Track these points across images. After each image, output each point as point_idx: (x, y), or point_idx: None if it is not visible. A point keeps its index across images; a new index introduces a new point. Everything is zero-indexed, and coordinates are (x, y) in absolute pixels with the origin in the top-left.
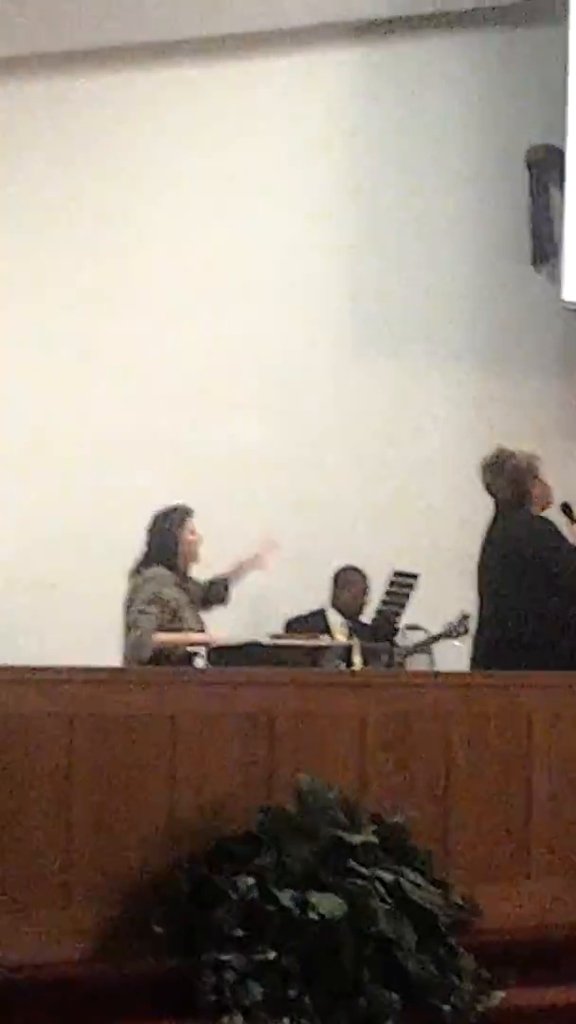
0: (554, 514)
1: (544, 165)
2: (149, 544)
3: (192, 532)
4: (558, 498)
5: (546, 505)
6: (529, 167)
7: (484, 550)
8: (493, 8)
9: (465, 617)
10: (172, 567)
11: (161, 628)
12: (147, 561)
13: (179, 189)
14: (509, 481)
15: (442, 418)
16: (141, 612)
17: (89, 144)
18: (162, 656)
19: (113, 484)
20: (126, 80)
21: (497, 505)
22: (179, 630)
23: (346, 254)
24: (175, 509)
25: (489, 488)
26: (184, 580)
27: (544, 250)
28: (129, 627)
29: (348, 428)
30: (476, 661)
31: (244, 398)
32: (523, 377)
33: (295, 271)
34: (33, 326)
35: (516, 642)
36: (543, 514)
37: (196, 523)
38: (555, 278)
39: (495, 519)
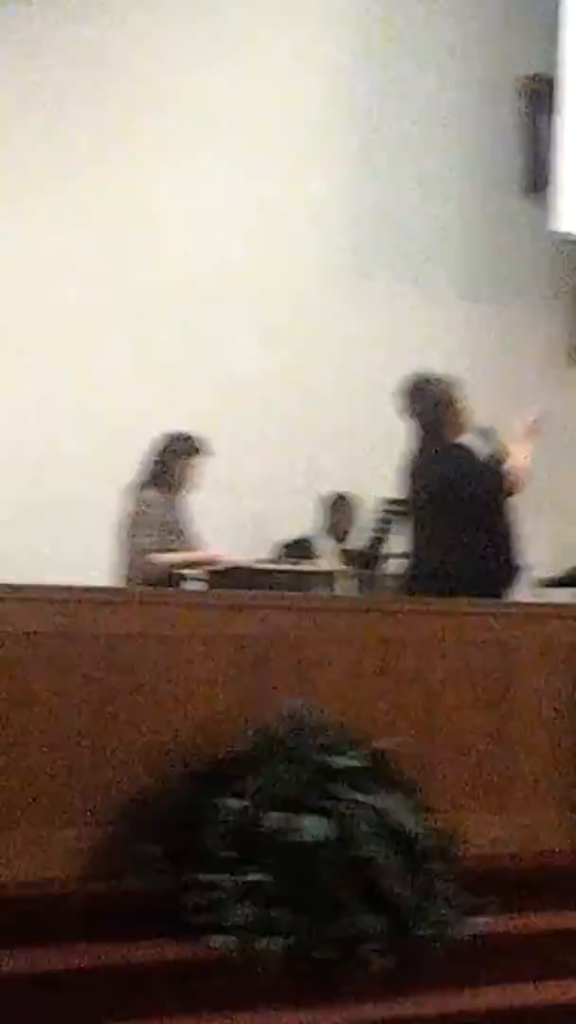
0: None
1: (536, 95)
2: (154, 464)
3: (191, 465)
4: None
5: (465, 430)
6: (522, 97)
7: (410, 481)
8: None
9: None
10: (171, 491)
11: (161, 550)
12: (147, 483)
13: (179, 108)
14: (430, 406)
15: (434, 344)
16: (147, 536)
17: (88, 57)
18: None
19: (110, 407)
20: None
21: (418, 431)
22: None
23: (343, 181)
24: (186, 439)
25: (410, 411)
26: (180, 504)
27: (535, 180)
28: (132, 549)
29: (342, 353)
30: (405, 591)
31: (240, 323)
32: (512, 304)
33: (292, 198)
34: (31, 244)
35: (440, 571)
36: (461, 440)
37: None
38: (546, 207)
39: (419, 448)
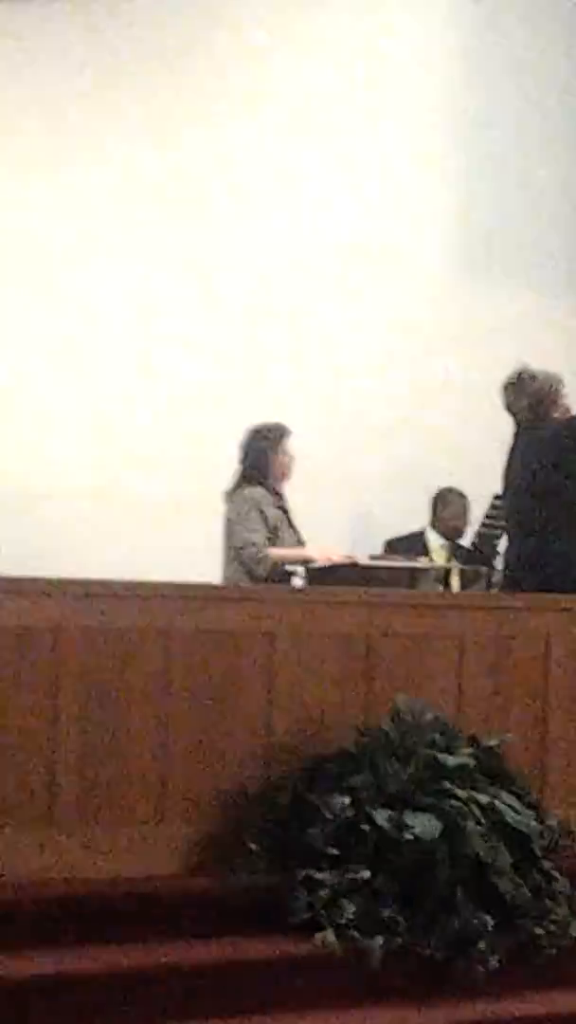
0: None
1: None
2: (244, 462)
3: (286, 452)
4: None
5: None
6: None
7: (506, 470)
8: None
9: None
10: (267, 486)
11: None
12: (244, 480)
13: (288, 102)
14: (529, 402)
15: (540, 347)
16: (252, 531)
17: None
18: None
19: (213, 402)
20: None
21: (517, 426)
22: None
23: (448, 178)
24: (272, 428)
25: (509, 408)
26: (279, 498)
27: None
28: (239, 546)
29: (451, 352)
30: (507, 580)
31: (344, 317)
32: None
33: (396, 193)
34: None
35: (540, 561)
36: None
37: (293, 443)
38: None
39: (515, 439)
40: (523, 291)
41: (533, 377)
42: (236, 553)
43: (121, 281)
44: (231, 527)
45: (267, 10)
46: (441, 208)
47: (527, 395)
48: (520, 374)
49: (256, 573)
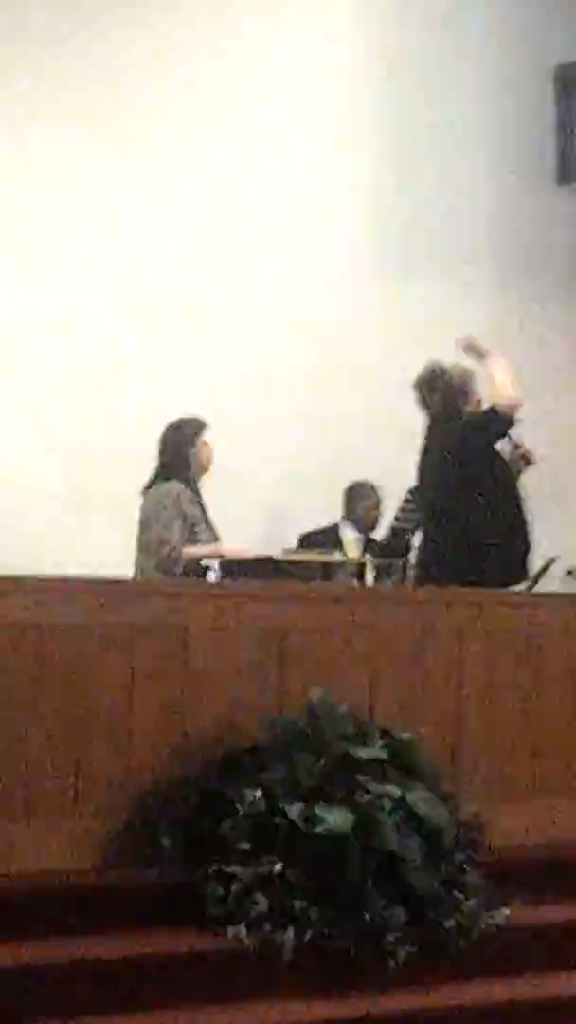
0: None
1: (573, 84)
2: (163, 457)
3: (205, 444)
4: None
5: None
6: (558, 85)
7: (420, 464)
8: None
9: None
10: (186, 480)
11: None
12: (162, 475)
13: (198, 91)
14: (442, 397)
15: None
16: (167, 528)
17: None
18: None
19: (127, 399)
20: None
21: (430, 420)
22: (195, 544)
23: (368, 167)
24: (189, 421)
25: (423, 403)
26: (197, 494)
27: (569, 169)
28: (154, 543)
29: (364, 344)
30: (421, 574)
31: (259, 312)
32: (545, 295)
33: (315, 184)
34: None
35: (454, 554)
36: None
37: (209, 437)
38: None
39: (428, 432)
40: (437, 282)
41: (445, 372)
42: (153, 550)
43: (39, 263)
44: (148, 523)
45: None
46: (359, 199)
47: (439, 390)
48: (432, 369)
49: (171, 571)
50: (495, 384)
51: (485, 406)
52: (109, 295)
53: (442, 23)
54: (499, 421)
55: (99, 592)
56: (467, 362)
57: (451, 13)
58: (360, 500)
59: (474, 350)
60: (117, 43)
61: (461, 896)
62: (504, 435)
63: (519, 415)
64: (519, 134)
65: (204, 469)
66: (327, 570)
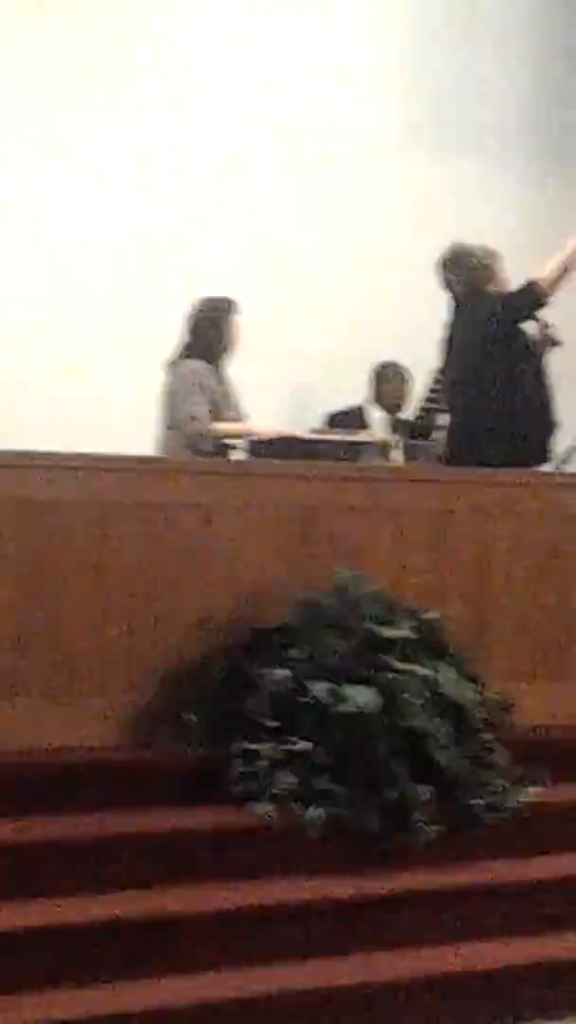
0: None
1: None
2: (193, 333)
3: (233, 326)
4: None
5: None
6: None
7: (445, 346)
8: None
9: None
10: (211, 358)
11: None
12: (187, 352)
13: None
14: (466, 277)
15: (497, 222)
16: (195, 404)
17: None
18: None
19: (151, 279)
20: None
21: (455, 301)
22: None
23: (399, 44)
24: (221, 301)
25: (448, 284)
26: (220, 373)
27: None
28: (183, 420)
29: (400, 227)
30: (448, 454)
31: (287, 192)
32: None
33: (350, 55)
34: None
35: (478, 435)
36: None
37: (237, 316)
38: None
39: (453, 314)
40: (468, 161)
41: (469, 252)
42: (179, 426)
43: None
44: (173, 399)
45: None
46: (389, 77)
47: (463, 270)
48: (455, 250)
49: (200, 447)
50: (549, 262)
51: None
52: (137, 176)
53: None
54: (532, 298)
55: (124, 469)
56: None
57: None
58: (387, 381)
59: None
60: None
61: (488, 775)
62: (536, 310)
63: (553, 296)
64: (551, 13)
65: (228, 350)
66: (353, 449)
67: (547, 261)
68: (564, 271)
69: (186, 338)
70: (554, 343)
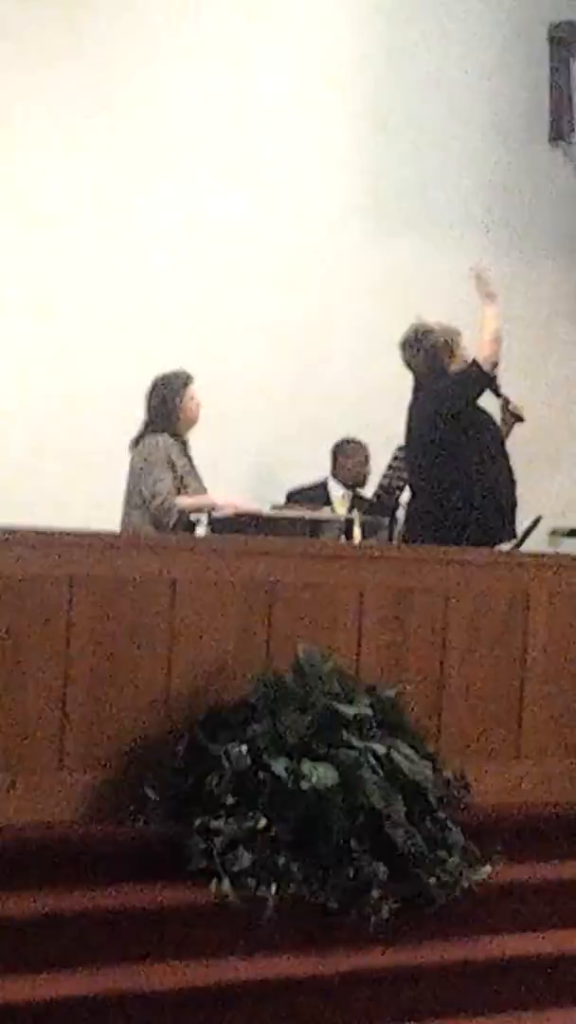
0: None
1: (566, 43)
2: (150, 410)
3: (192, 397)
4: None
5: None
6: (551, 44)
7: (407, 423)
8: None
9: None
10: (174, 434)
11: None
12: (150, 428)
13: (191, 54)
14: (425, 357)
15: (452, 295)
16: (159, 480)
17: None
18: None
19: (118, 354)
20: None
21: (416, 380)
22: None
23: (363, 125)
24: (176, 375)
25: (408, 363)
26: (185, 446)
27: (561, 128)
28: (146, 496)
29: (356, 301)
30: (408, 532)
31: (254, 268)
32: (536, 257)
33: (310, 143)
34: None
35: (439, 514)
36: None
37: (199, 392)
38: (571, 156)
39: (415, 392)
40: (431, 241)
41: (429, 331)
42: (144, 503)
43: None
44: (137, 476)
45: None
46: (353, 157)
47: (424, 349)
48: (416, 329)
49: (164, 523)
50: (481, 333)
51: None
52: (98, 246)
53: None
54: (479, 376)
55: (87, 545)
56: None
57: None
58: (348, 457)
59: (483, 284)
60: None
61: (443, 853)
62: (485, 390)
63: (499, 370)
64: (514, 92)
65: (192, 422)
66: (315, 526)
67: (481, 336)
68: (497, 341)
69: (147, 414)
70: (517, 419)
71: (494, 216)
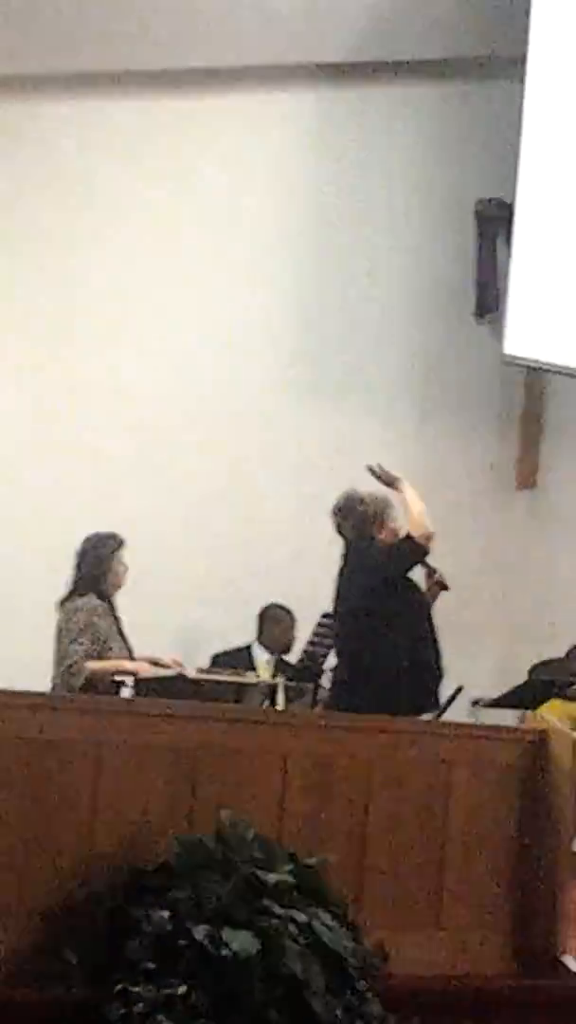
0: None
1: (492, 219)
2: (79, 570)
3: (121, 562)
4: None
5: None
6: (478, 220)
7: (336, 590)
8: (449, 60)
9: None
10: (101, 595)
11: (91, 657)
12: (77, 589)
13: (127, 221)
14: (355, 525)
15: (383, 463)
16: (73, 642)
17: (43, 170)
18: (90, 685)
19: (46, 515)
20: (88, 107)
21: (347, 547)
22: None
23: (291, 298)
24: (109, 537)
25: (339, 530)
26: (111, 608)
27: (487, 303)
28: (61, 657)
29: (284, 469)
30: (332, 698)
31: (179, 433)
32: (462, 425)
33: (240, 313)
34: None
35: (364, 681)
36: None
37: (126, 554)
38: (497, 331)
39: (344, 560)
40: (359, 412)
41: (361, 500)
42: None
43: None
44: (59, 637)
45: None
46: (280, 331)
47: (355, 517)
48: (349, 497)
49: (71, 685)
50: (410, 512)
51: (403, 534)
52: (25, 409)
53: (365, 158)
54: (414, 550)
55: (10, 705)
56: (380, 486)
57: (374, 149)
58: (273, 622)
59: (384, 476)
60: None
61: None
62: (417, 564)
63: (433, 544)
64: (442, 266)
65: (118, 585)
66: (240, 690)
67: (410, 514)
68: (423, 516)
69: (75, 574)
70: (443, 588)
71: (424, 388)
